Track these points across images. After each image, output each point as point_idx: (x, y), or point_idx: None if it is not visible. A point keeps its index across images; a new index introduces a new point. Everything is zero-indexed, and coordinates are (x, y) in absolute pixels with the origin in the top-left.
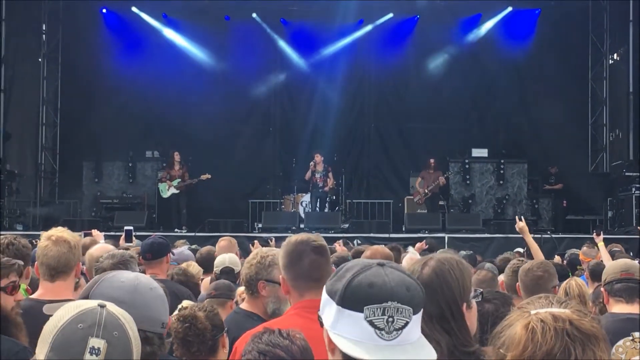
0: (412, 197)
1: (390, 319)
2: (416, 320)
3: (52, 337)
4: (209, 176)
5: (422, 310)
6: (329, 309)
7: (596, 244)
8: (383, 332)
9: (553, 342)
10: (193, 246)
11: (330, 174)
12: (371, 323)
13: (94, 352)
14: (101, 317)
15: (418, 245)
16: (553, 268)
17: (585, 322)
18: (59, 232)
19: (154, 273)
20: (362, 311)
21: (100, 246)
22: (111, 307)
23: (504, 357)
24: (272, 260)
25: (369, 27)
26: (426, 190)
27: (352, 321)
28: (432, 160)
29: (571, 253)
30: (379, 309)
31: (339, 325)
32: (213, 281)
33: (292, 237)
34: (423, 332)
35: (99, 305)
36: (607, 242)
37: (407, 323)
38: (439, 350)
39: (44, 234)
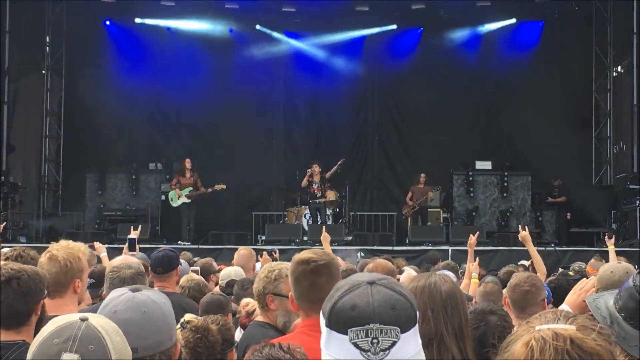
0: (403, 209)
1: (375, 340)
2: (408, 337)
3: (32, 353)
4: (224, 186)
5: (416, 325)
6: (322, 328)
7: (607, 248)
8: (369, 353)
9: None
10: (195, 259)
11: (326, 178)
12: (356, 345)
13: None
14: (78, 331)
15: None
16: (540, 281)
17: (589, 340)
18: (57, 249)
19: (164, 286)
20: (346, 333)
21: (122, 258)
22: (94, 319)
23: None
24: (279, 273)
25: (372, 40)
26: (415, 204)
27: (339, 343)
28: (422, 175)
29: (577, 265)
30: (362, 332)
31: (330, 346)
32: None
33: (297, 256)
34: (444, 344)
35: (80, 318)
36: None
37: (394, 343)
38: None
39: (49, 248)
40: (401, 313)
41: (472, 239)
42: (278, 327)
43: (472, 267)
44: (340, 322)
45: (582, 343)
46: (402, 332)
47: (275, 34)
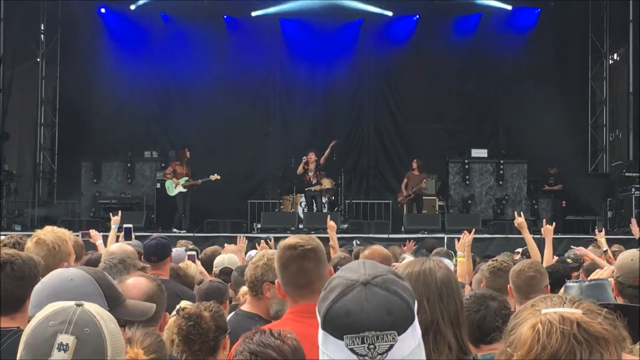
0: (398, 197)
1: (372, 346)
2: (406, 336)
3: (26, 335)
4: (218, 177)
5: (414, 322)
6: (319, 330)
7: (599, 247)
8: (366, 357)
9: (559, 344)
10: (190, 246)
11: (321, 163)
12: (352, 351)
13: (62, 348)
14: (74, 315)
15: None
16: (544, 267)
17: (595, 324)
18: (44, 233)
19: (158, 274)
20: (342, 339)
21: (119, 246)
22: (89, 305)
23: (511, 357)
24: None
25: (368, 28)
26: (410, 192)
27: (336, 346)
28: (414, 161)
29: (572, 253)
30: (357, 338)
31: (327, 347)
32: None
33: (283, 242)
34: (440, 332)
35: (75, 304)
36: (608, 242)
37: (391, 346)
38: (449, 355)
39: (35, 233)
40: (398, 317)
41: (469, 237)
42: (267, 316)
43: (459, 245)
44: (335, 328)
45: (588, 327)
46: (399, 334)
47: (271, 22)
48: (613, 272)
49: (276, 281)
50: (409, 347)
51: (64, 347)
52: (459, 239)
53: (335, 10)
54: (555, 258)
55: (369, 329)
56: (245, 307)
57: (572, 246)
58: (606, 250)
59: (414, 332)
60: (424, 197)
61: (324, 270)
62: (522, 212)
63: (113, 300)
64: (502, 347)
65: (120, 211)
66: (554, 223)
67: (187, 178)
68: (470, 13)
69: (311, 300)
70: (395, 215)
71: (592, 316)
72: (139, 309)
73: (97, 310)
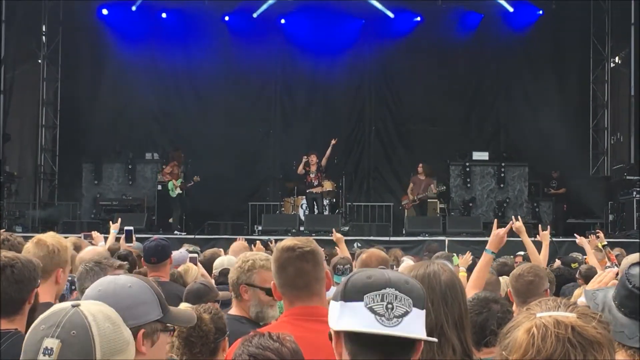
0: (402, 200)
1: (390, 305)
2: (418, 314)
3: (24, 339)
4: (198, 179)
5: (424, 307)
6: (333, 311)
7: (601, 250)
8: (383, 318)
9: (553, 348)
10: (191, 248)
11: (322, 165)
12: (371, 309)
13: (47, 352)
14: (64, 317)
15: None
16: (543, 271)
17: (589, 328)
18: (45, 235)
19: (158, 276)
20: (362, 300)
21: (91, 249)
22: (86, 305)
23: None
24: (252, 264)
25: (369, 28)
26: (416, 198)
27: (354, 312)
28: (420, 166)
29: (575, 257)
30: (377, 296)
31: (342, 319)
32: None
33: (280, 243)
34: (444, 335)
35: (71, 305)
36: (609, 245)
37: (407, 312)
38: (453, 358)
39: (35, 237)
40: (413, 287)
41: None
42: (252, 318)
43: (461, 260)
44: (356, 290)
45: (582, 331)
46: (414, 305)
47: (272, 23)
48: (617, 274)
49: (272, 282)
50: (419, 330)
51: (49, 351)
52: (459, 241)
53: (336, 6)
54: (557, 261)
55: (389, 286)
56: (232, 311)
57: (575, 234)
58: (605, 245)
59: (423, 326)
60: (428, 200)
61: (322, 273)
62: (519, 216)
63: (164, 307)
64: (498, 350)
65: (120, 218)
66: (548, 227)
67: (181, 180)
68: (472, 14)
69: (308, 302)
70: (396, 217)
71: (586, 320)
72: (183, 315)
73: (92, 310)
